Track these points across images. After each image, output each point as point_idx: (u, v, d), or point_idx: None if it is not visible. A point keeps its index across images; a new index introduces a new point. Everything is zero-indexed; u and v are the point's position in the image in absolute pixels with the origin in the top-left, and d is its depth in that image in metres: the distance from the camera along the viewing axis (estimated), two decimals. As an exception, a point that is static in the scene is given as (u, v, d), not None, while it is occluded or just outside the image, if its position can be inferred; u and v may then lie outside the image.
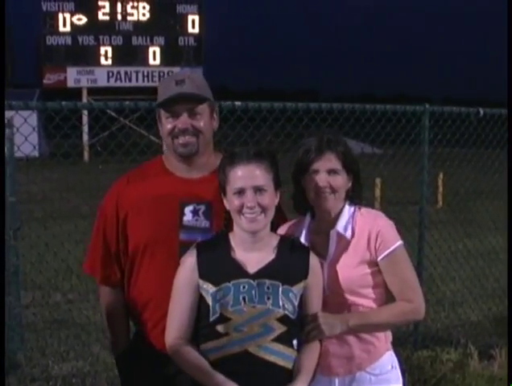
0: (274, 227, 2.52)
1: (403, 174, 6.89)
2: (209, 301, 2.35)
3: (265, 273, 2.37)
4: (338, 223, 2.57)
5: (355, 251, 2.55)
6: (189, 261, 2.43)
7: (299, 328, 2.42)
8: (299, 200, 2.66)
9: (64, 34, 25.72)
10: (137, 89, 25.67)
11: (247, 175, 2.37)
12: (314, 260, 2.48)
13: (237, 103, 4.59)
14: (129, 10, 26.35)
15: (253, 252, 2.40)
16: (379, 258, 2.54)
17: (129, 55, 26.38)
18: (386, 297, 2.61)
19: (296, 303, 2.39)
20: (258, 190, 2.37)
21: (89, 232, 2.83)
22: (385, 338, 2.65)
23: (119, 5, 26.22)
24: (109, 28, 26.13)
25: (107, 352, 4.79)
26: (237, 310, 2.32)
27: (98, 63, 26.26)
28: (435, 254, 6.15)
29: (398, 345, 3.22)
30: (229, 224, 2.47)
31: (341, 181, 2.57)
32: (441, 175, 12.81)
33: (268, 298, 2.33)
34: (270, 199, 2.40)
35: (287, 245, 2.46)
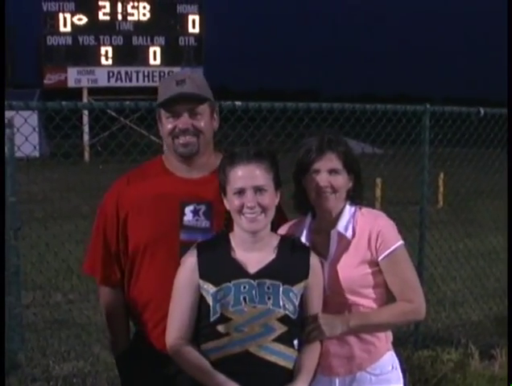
0: (274, 227, 2.52)
1: (404, 174, 6.89)
2: (210, 301, 2.35)
3: (265, 273, 2.37)
4: (339, 223, 2.57)
5: (356, 251, 2.55)
6: (189, 261, 2.43)
7: (300, 328, 2.42)
8: (300, 200, 2.66)
9: (65, 34, 25.72)
10: (137, 89, 25.67)
11: (247, 175, 2.37)
12: (314, 259, 2.48)
13: (238, 103, 4.59)
14: (129, 10, 26.35)
15: (253, 252, 2.40)
16: (380, 258, 2.54)
17: (129, 55, 26.38)
18: (387, 297, 2.61)
19: (297, 303, 2.39)
20: (258, 190, 2.37)
21: (90, 232, 2.82)
22: (385, 338, 2.64)
23: (119, 5, 26.21)
24: (109, 28, 26.12)
25: (108, 352, 4.79)
26: (238, 310, 2.32)
27: (99, 63, 26.26)
28: (435, 254, 6.14)
29: (398, 345, 3.22)
30: (229, 224, 2.47)
31: (342, 181, 2.57)
32: (442, 175, 12.80)
33: (269, 298, 2.33)
34: (271, 199, 2.40)
35: (288, 245, 2.46)
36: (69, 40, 25.80)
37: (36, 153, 5.33)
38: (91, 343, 5.34)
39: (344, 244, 2.57)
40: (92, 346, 5.29)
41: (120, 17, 26.28)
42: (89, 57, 26.05)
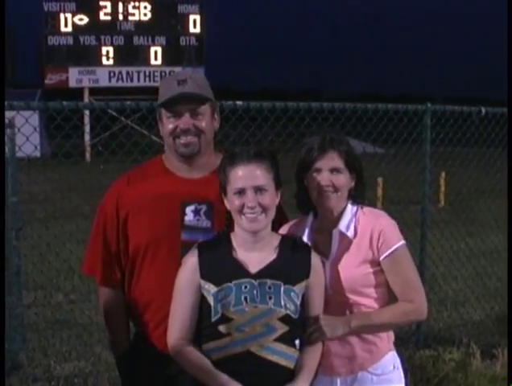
0: (275, 227, 2.52)
1: (405, 174, 6.88)
2: (211, 301, 2.35)
3: (266, 272, 2.36)
4: (341, 222, 2.57)
5: (357, 250, 2.55)
6: (191, 261, 2.42)
7: (301, 328, 2.42)
8: (302, 199, 2.66)
9: (66, 34, 25.70)
10: (138, 89, 25.65)
11: (248, 175, 2.37)
12: (316, 259, 2.48)
13: (239, 102, 4.59)
14: (130, 10, 26.32)
15: (254, 252, 2.40)
16: (381, 257, 2.53)
17: (130, 55, 26.36)
18: (389, 296, 2.61)
19: (298, 303, 2.38)
20: (259, 190, 2.37)
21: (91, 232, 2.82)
22: (387, 338, 2.64)
23: (120, 5, 26.19)
24: (110, 28, 26.11)
25: (109, 352, 4.78)
26: (239, 310, 2.32)
27: (100, 63, 26.25)
28: (437, 253, 6.14)
29: (400, 344, 3.22)
30: (230, 224, 2.47)
31: (344, 180, 2.57)
32: (443, 174, 12.79)
33: (270, 298, 2.33)
34: (271, 198, 2.40)
35: (289, 245, 2.45)
36: (70, 40, 25.79)
37: (37, 154, 5.33)
38: (92, 343, 5.34)
39: (346, 243, 2.57)
40: (93, 346, 5.29)
41: (121, 17, 26.26)
42: (90, 57, 26.04)
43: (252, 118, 5.00)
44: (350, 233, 2.56)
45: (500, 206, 6.72)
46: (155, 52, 26.65)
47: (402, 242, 2.57)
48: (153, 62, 26.69)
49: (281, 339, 2.34)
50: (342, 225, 2.56)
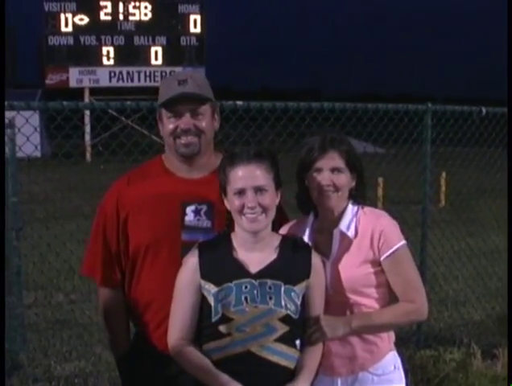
0: (275, 227, 2.52)
1: (406, 174, 6.88)
2: (211, 301, 2.35)
3: (267, 272, 2.36)
4: (341, 222, 2.57)
5: (358, 250, 2.55)
6: (191, 262, 2.42)
7: (302, 328, 2.42)
8: (302, 199, 2.66)
9: (66, 34, 25.71)
10: (139, 89, 25.65)
11: (247, 175, 2.36)
12: (316, 259, 2.47)
13: (239, 102, 4.58)
14: (131, 9, 26.32)
15: (254, 252, 2.40)
16: (382, 258, 2.53)
17: (131, 55, 26.36)
18: (389, 297, 2.60)
19: (299, 303, 2.38)
20: (259, 190, 2.36)
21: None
22: (388, 338, 2.64)
23: (121, 5, 26.19)
24: (110, 28, 26.11)
25: (109, 352, 4.75)
26: (239, 310, 2.31)
27: (100, 63, 26.25)
28: (437, 253, 6.14)
29: (400, 344, 3.22)
30: (230, 224, 2.46)
31: (345, 179, 2.57)
32: (444, 174, 12.79)
33: (270, 298, 2.32)
34: (271, 199, 2.40)
35: (289, 245, 2.45)
36: (71, 40, 25.79)
37: (38, 154, 5.33)
38: (93, 343, 5.34)
39: (347, 243, 2.56)
40: (93, 346, 5.29)
41: (121, 17, 26.26)
42: (91, 57, 26.04)
43: (252, 118, 5.00)
44: (351, 233, 2.56)
45: (500, 206, 6.72)
46: (156, 52, 26.65)
47: (403, 242, 2.57)
48: (153, 62, 26.69)
49: (281, 339, 2.34)
50: (343, 225, 2.56)
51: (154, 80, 26.02)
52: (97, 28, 25.85)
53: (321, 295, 2.48)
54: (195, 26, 27.01)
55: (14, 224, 4.41)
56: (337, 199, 2.56)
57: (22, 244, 4.62)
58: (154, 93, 2.91)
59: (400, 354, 2.72)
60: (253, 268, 2.37)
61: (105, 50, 26.16)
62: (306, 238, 2.58)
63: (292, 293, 2.36)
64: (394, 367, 2.64)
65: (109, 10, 26.09)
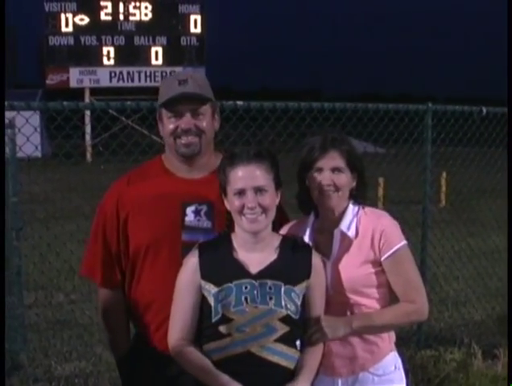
0: (276, 228, 2.52)
1: (406, 174, 6.88)
2: (211, 301, 2.35)
3: (267, 273, 2.36)
4: (342, 222, 2.56)
5: (359, 250, 2.54)
6: (191, 262, 2.42)
7: (302, 328, 2.42)
8: (303, 199, 2.65)
9: (67, 34, 25.71)
10: (139, 89, 25.65)
11: (247, 176, 2.36)
12: (316, 259, 2.47)
13: (239, 102, 4.58)
14: (131, 10, 26.32)
15: (255, 252, 2.40)
16: (383, 258, 2.53)
17: (131, 55, 26.35)
18: (390, 297, 2.60)
19: (299, 303, 2.38)
20: (259, 190, 2.36)
21: (91, 233, 2.81)
22: (388, 338, 2.63)
23: (121, 5, 26.19)
24: (111, 28, 26.11)
25: (110, 352, 4.77)
26: (239, 311, 2.31)
27: (101, 64, 26.24)
28: (438, 253, 6.13)
29: (401, 345, 3.21)
30: (231, 225, 2.46)
31: (345, 179, 2.56)
32: (444, 174, 12.79)
33: (270, 298, 2.32)
34: (271, 199, 2.39)
35: (289, 245, 2.45)
36: (71, 40, 25.79)
37: (38, 154, 5.32)
38: (93, 344, 5.33)
39: (347, 243, 2.56)
40: (94, 346, 5.28)
41: (122, 17, 26.26)
42: (91, 57, 26.03)
43: (253, 118, 4.99)
44: (351, 233, 2.56)
45: (501, 206, 6.71)
46: (156, 52, 26.64)
47: (404, 242, 2.56)
48: (154, 62, 26.69)
49: (281, 340, 2.33)
50: (343, 225, 2.56)
51: (155, 80, 26.01)
52: (97, 28, 25.85)
53: (322, 295, 2.48)
54: (195, 27, 27.00)
55: (14, 224, 4.41)
56: (338, 198, 2.56)
57: (22, 244, 4.62)
58: (154, 93, 2.91)
59: (401, 354, 2.72)
60: (254, 269, 2.36)
61: (105, 50, 26.16)
62: (306, 238, 2.58)
63: (292, 294, 2.36)
64: (395, 368, 2.64)
65: (109, 10, 26.08)
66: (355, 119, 5.30)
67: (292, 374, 2.37)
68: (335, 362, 2.58)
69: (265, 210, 2.36)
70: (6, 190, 4.33)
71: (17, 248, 4.46)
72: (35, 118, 4.82)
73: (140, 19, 26.41)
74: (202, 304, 2.39)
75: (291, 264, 2.41)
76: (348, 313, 2.54)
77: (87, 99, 24.95)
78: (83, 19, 25.75)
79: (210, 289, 2.36)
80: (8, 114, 3.98)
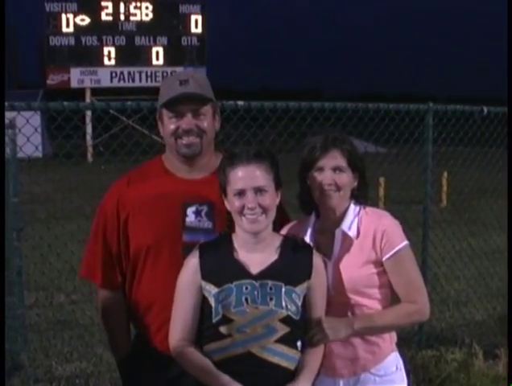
0: (276, 228, 2.51)
1: (407, 173, 6.87)
2: (212, 302, 2.34)
3: (267, 273, 2.35)
4: (343, 222, 2.56)
5: (360, 250, 2.54)
6: (192, 262, 2.42)
7: (303, 329, 2.41)
8: (304, 199, 2.65)
9: (67, 34, 25.72)
10: (140, 89, 25.66)
11: (247, 176, 2.36)
12: (317, 259, 2.47)
13: (240, 102, 4.57)
14: (132, 10, 26.34)
15: (255, 252, 2.39)
16: (384, 258, 2.52)
17: (132, 55, 26.37)
18: (391, 297, 2.59)
19: (299, 304, 2.37)
20: (259, 190, 2.35)
21: (92, 233, 2.80)
22: (390, 338, 2.63)
23: (122, 5, 26.21)
24: (112, 28, 26.12)
25: (110, 353, 4.78)
26: (240, 311, 2.31)
27: (101, 64, 26.25)
28: (439, 253, 6.13)
29: (402, 345, 3.21)
30: (231, 225, 2.45)
31: (346, 179, 2.56)
32: (445, 174, 12.78)
33: (271, 299, 2.32)
34: (271, 199, 2.39)
35: (290, 245, 2.44)
36: (72, 41, 25.80)
37: (39, 154, 5.32)
38: (94, 344, 5.33)
39: (349, 243, 2.55)
40: (94, 346, 5.28)
41: (122, 17, 26.28)
42: (92, 57, 26.05)
43: (253, 118, 4.99)
44: (353, 233, 2.55)
45: (502, 206, 6.71)
46: (157, 52, 26.65)
47: (406, 242, 2.56)
48: (155, 62, 26.70)
49: (282, 340, 2.33)
50: (345, 225, 2.55)
51: (156, 80, 26.03)
52: (98, 28, 25.86)
53: (322, 296, 2.47)
54: (196, 27, 27.01)
55: (15, 225, 4.41)
56: (339, 198, 2.55)
57: (23, 245, 4.62)
58: (155, 93, 2.90)
59: (402, 354, 2.71)
60: (254, 269, 2.36)
61: (106, 50, 26.17)
62: (307, 238, 2.57)
63: (293, 294, 2.35)
64: (396, 368, 2.64)
65: (110, 10, 26.10)
66: (356, 119, 5.30)
67: (293, 375, 2.37)
68: (336, 363, 2.58)
69: (265, 210, 2.35)
70: (7, 191, 4.33)
71: (18, 249, 4.46)
72: (36, 118, 4.81)
73: (141, 19, 26.43)
74: (203, 304, 2.39)
75: (292, 264, 2.40)
76: (350, 313, 2.54)
77: (88, 99, 24.96)
78: (84, 19, 25.77)
79: (211, 290, 2.35)
80: (8, 114, 3.97)
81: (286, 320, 2.33)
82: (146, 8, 26.45)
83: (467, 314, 6.24)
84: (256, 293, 2.32)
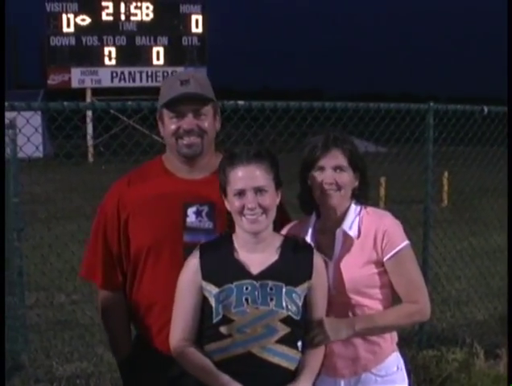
0: (277, 228, 2.51)
1: (408, 173, 6.87)
2: (212, 302, 2.34)
3: (268, 273, 2.35)
4: (344, 222, 2.55)
5: (361, 250, 2.53)
6: (192, 263, 2.42)
7: (304, 329, 2.40)
8: (305, 199, 2.64)
9: (68, 34, 25.74)
10: (141, 89, 25.67)
11: (247, 176, 2.35)
12: (318, 259, 2.46)
13: (240, 102, 4.57)
14: (132, 10, 26.37)
15: (256, 253, 2.39)
16: (385, 258, 2.52)
17: (132, 55, 26.39)
18: (392, 298, 2.59)
19: (300, 304, 2.37)
20: (259, 190, 2.35)
21: (92, 233, 2.80)
22: (390, 339, 2.62)
23: (122, 5, 26.23)
24: (112, 28, 26.14)
25: (111, 353, 4.78)
26: (240, 312, 2.30)
27: (102, 64, 26.28)
28: (440, 253, 6.12)
29: (403, 345, 3.20)
30: (232, 225, 2.45)
31: (347, 178, 2.55)
32: (446, 174, 12.77)
33: (271, 299, 2.31)
34: (271, 199, 2.38)
35: (291, 245, 2.44)
36: (72, 41, 25.82)
37: (39, 154, 5.32)
38: (94, 344, 5.33)
39: (350, 243, 2.55)
40: (95, 346, 5.28)
41: (123, 17, 26.30)
42: (93, 57, 26.07)
43: (254, 118, 4.98)
44: (354, 233, 2.54)
45: (503, 205, 6.70)
46: (157, 52, 26.67)
47: (407, 242, 2.55)
48: (155, 62, 26.72)
49: (282, 341, 2.32)
50: (346, 225, 2.55)
51: (156, 80, 26.05)
52: (98, 28, 25.88)
53: (323, 296, 2.47)
54: (196, 27, 27.03)
55: (15, 225, 4.41)
56: (340, 197, 2.55)
57: (23, 245, 4.61)
58: (156, 93, 2.89)
59: (403, 354, 2.71)
60: (255, 270, 2.36)
61: (106, 50, 26.20)
62: (308, 238, 2.56)
63: (293, 295, 2.35)
64: (397, 368, 2.63)
65: (110, 10, 26.13)
66: (356, 118, 5.29)
67: (293, 375, 2.37)
68: (337, 363, 2.57)
69: (265, 210, 2.35)
70: (7, 191, 4.33)
71: (18, 249, 4.46)
72: (36, 118, 4.82)
73: (141, 19, 26.45)
74: (203, 305, 2.38)
75: (293, 264, 2.40)
76: (351, 313, 2.53)
77: (88, 99, 24.98)
78: (84, 19, 25.79)
79: (211, 290, 2.35)
80: (9, 115, 3.97)
81: (286, 320, 2.32)
82: (147, 8, 26.48)
83: (468, 314, 6.23)
84: (256, 293, 2.31)
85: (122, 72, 26.50)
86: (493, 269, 6.69)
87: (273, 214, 2.40)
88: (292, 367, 2.36)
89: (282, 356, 2.33)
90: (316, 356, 2.44)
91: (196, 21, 26.97)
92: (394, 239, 2.52)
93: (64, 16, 25.62)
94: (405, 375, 2.67)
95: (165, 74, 25.56)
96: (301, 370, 2.38)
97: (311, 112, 4.97)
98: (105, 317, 2.79)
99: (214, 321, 2.33)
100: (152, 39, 26.57)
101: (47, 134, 19.95)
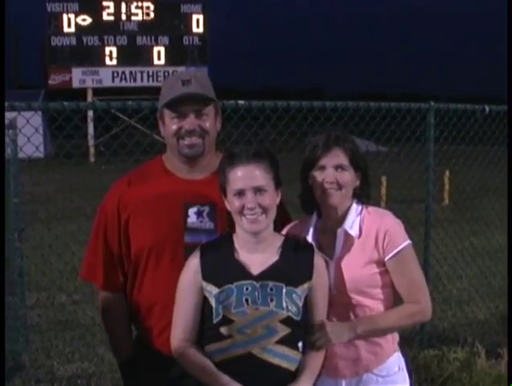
0: (278, 228, 2.50)
1: (409, 172, 6.86)
2: (212, 302, 2.33)
3: (268, 274, 2.34)
4: (345, 221, 2.54)
5: (362, 250, 2.52)
6: (193, 263, 2.41)
7: (304, 330, 2.40)
8: (306, 199, 2.63)
9: (69, 34, 25.76)
10: (142, 89, 25.67)
11: (247, 176, 2.35)
12: (319, 260, 2.45)
13: (241, 102, 4.56)
14: (133, 10, 26.38)
15: (256, 253, 2.38)
16: (387, 258, 2.51)
17: (133, 55, 26.40)
18: (394, 298, 2.58)
19: (300, 304, 2.36)
20: (258, 190, 2.34)
21: (92, 233, 2.79)
22: (392, 339, 2.62)
23: (123, 5, 26.24)
24: (113, 28, 26.16)
25: (112, 353, 4.78)
26: (240, 312, 2.30)
27: (103, 64, 26.29)
28: (441, 252, 6.11)
29: (404, 344, 3.20)
30: (232, 225, 2.44)
31: (349, 177, 2.54)
32: (447, 173, 12.76)
33: (271, 300, 2.31)
34: (271, 199, 2.38)
35: (292, 245, 2.43)
36: (73, 41, 25.84)
37: (40, 154, 5.32)
38: (95, 344, 5.33)
39: (351, 243, 2.54)
40: (96, 347, 5.27)
41: (124, 17, 26.31)
42: (94, 57, 26.08)
43: (254, 117, 4.97)
44: (355, 233, 2.54)
45: (504, 204, 6.69)
46: (158, 52, 26.68)
47: (408, 242, 2.54)
48: (156, 62, 26.73)
49: (283, 341, 2.32)
50: (347, 225, 2.54)
51: (158, 80, 26.05)
52: (99, 28, 25.89)
53: (324, 296, 2.46)
54: (197, 26, 27.04)
55: (15, 225, 4.41)
56: (341, 197, 2.54)
57: (24, 245, 4.60)
58: (157, 93, 2.88)
59: (404, 354, 2.70)
60: (255, 270, 2.35)
61: (107, 50, 26.21)
62: (309, 238, 2.56)
63: (294, 295, 2.34)
64: (399, 368, 2.63)
65: (111, 10, 26.14)
66: (357, 118, 5.28)
67: (294, 376, 2.36)
68: (338, 363, 2.57)
69: (265, 210, 2.34)
70: (8, 191, 4.32)
71: (19, 249, 4.45)
72: (36, 119, 4.81)
73: (142, 19, 26.46)
74: (203, 305, 2.38)
75: (293, 265, 2.39)
76: (352, 314, 2.52)
77: (89, 99, 24.99)
78: (85, 19, 25.80)
79: (211, 290, 2.34)
80: (9, 115, 3.97)
81: (286, 321, 2.32)
82: (148, 8, 26.49)
83: (469, 313, 6.22)
84: (256, 293, 2.31)
85: (123, 72, 26.51)
86: (495, 269, 6.68)
87: (273, 214, 2.39)
88: (293, 367, 2.36)
89: (283, 357, 2.33)
90: (317, 357, 2.43)
91: (197, 21, 26.98)
92: (395, 238, 2.51)
93: (65, 16, 25.64)
94: (406, 375, 2.67)
95: (166, 74, 25.55)
96: (301, 371, 2.37)
97: (312, 111, 4.96)
98: (106, 317, 2.78)
99: (214, 321, 2.33)
100: (153, 38, 26.58)
101: (48, 134, 19.95)
